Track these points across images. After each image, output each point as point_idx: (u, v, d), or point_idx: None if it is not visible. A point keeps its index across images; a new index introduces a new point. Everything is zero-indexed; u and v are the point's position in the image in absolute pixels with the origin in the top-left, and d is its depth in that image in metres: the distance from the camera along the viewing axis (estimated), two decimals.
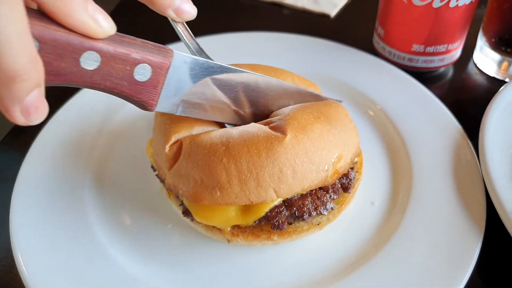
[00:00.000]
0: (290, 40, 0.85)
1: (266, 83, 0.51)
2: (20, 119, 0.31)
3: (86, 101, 0.72)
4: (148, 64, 0.40)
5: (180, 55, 0.43)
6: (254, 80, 0.50)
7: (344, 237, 0.56)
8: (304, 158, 0.47)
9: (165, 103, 0.45)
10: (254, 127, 0.49)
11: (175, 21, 0.49)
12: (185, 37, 0.51)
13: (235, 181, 0.46)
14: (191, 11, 0.45)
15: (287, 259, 0.54)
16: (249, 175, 0.46)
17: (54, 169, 0.61)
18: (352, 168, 0.55)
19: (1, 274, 0.52)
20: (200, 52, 0.52)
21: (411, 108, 0.71)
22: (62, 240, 0.53)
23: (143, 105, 0.43)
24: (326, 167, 0.48)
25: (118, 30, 0.37)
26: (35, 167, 0.61)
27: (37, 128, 0.65)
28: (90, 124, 0.69)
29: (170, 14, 0.44)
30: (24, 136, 0.67)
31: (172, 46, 0.81)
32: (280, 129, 0.48)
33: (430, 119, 0.68)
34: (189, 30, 0.51)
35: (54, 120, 0.68)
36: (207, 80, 0.47)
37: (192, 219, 0.51)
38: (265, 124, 0.50)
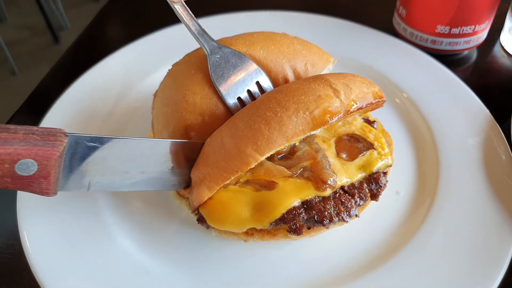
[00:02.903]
0: (304, 20, 0.79)
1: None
2: None
3: (100, 75, 0.69)
4: (31, 158, 0.36)
5: (77, 137, 0.39)
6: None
7: (368, 229, 0.51)
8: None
9: (69, 186, 0.41)
10: None
11: (172, 0, 0.46)
12: (184, 18, 0.47)
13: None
14: None
15: (307, 254, 0.50)
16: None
17: None
18: (385, 173, 0.50)
19: (9, 261, 0.51)
20: (202, 34, 0.48)
21: (436, 94, 0.66)
22: (71, 227, 0.51)
23: (38, 194, 0.39)
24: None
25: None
26: None
27: (47, 105, 0.64)
28: (102, 102, 0.66)
29: None
30: (32, 113, 0.64)
31: (174, 28, 0.79)
32: None
33: (457, 105, 0.64)
34: (189, 11, 0.48)
35: (65, 97, 0.66)
36: (115, 155, 0.43)
37: (208, 227, 0.48)
38: None
